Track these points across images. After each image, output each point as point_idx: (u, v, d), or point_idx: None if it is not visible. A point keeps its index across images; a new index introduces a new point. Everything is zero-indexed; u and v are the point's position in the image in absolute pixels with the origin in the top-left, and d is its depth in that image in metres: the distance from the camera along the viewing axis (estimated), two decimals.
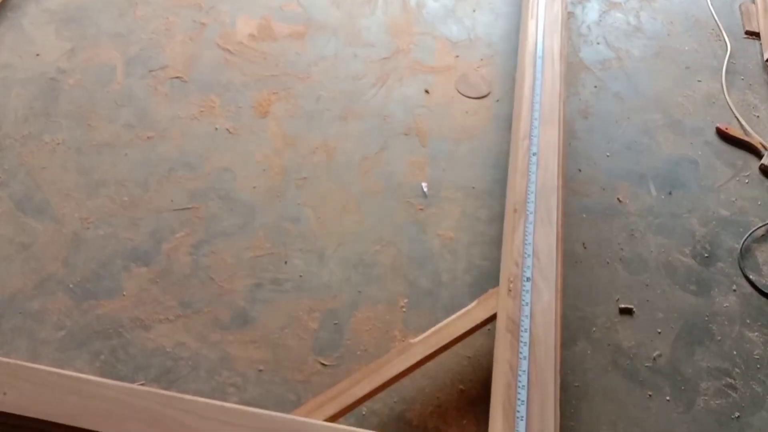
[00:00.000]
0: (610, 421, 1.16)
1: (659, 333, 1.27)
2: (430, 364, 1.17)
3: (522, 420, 0.97)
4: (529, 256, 1.16)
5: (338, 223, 1.39)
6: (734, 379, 1.22)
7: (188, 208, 1.39)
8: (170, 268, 1.30)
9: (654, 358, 1.24)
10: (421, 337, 1.14)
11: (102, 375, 1.16)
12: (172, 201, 1.40)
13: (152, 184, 1.43)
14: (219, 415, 0.97)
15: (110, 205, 1.39)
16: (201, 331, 1.22)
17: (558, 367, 1.04)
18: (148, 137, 1.50)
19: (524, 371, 1.02)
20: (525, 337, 1.06)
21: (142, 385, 1.14)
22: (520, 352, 1.04)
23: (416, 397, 1.17)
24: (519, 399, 0.99)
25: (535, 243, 1.17)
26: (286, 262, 1.32)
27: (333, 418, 1.06)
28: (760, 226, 1.43)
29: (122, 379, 1.14)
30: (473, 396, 1.17)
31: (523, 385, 1.01)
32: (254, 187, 1.42)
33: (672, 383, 1.21)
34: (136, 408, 0.97)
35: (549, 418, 0.98)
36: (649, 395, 1.20)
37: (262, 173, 1.45)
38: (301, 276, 1.30)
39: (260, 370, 1.18)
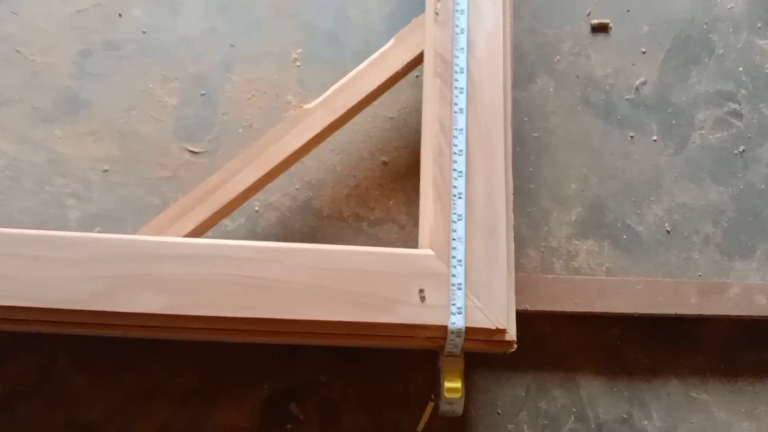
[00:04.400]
0: (580, 176, 0.89)
1: (643, 53, 0.95)
2: (339, 134, 0.86)
3: (460, 198, 0.68)
4: None
5: None
6: (739, 104, 0.94)
7: None
8: None
9: (636, 88, 0.94)
10: (322, 97, 0.80)
11: None
12: None
13: None
14: (23, 247, 0.66)
15: None
16: (16, 129, 0.87)
17: (509, 117, 0.73)
18: None
19: (461, 129, 0.71)
20: (461, 80, 0.73)
21: None
22: (455, 103, 0.72)
23: (325, 180, 0.87)
24: (455, 169, 0.70)
25: None
26: (120, 15, 0.92)
27: (210, 222, 0.76)
28: None
29: None
30: (401, 168, 0.88)
31: (461, 150, 0.70)
32: None
33: (660, 118, 0.93)
34: None
35: (498, 189, 0.70)
36: (631, 137, 0.92)
37: None
38: (144, 32, 0.91)
39: (106, 171, 0.86)
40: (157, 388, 0.78)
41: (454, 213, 0.68)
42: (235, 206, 0.79)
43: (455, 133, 0.70)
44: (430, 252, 0.67)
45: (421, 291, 0.65)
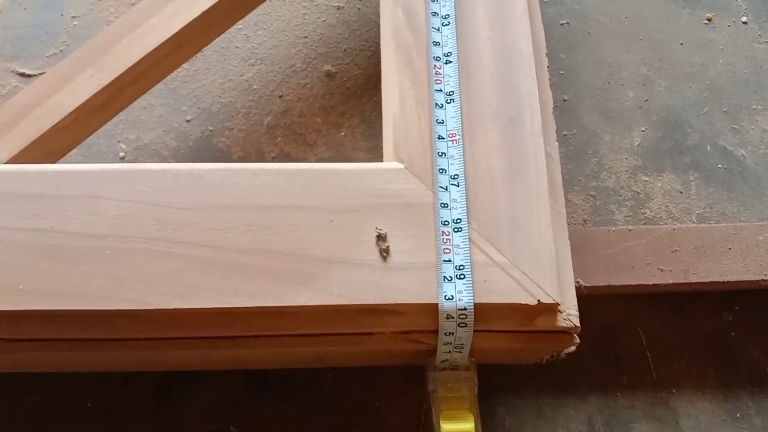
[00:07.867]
0: (640, 79, 0.57)
1: None
2: (255, 33, 0.55)
3: (449, 63, 0.36)
4: None
5: None
6: None
7: None
8: None
9: None
10: None
11: None
12: None
13: None
14: None
15: None
16: None
17: None
18: None
19: None
20: None
21: None
22: None
23: (235, 104, 0.55)
24: (435, 12, 0.37)
25: None
26: None
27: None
28: None
29: None
30: (356, 82, 0.56)
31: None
32: None
33: None
34: None
35: (519, 40, 0.37)
36: (708, 20, 0.60)
37: None
38: None
39: None
40: None
41: (439, 90, 0.35)
42: (69, 141, 0.46)
43: None
44: (396, 165, 0.34)
45: (381, 238, 0.32)
